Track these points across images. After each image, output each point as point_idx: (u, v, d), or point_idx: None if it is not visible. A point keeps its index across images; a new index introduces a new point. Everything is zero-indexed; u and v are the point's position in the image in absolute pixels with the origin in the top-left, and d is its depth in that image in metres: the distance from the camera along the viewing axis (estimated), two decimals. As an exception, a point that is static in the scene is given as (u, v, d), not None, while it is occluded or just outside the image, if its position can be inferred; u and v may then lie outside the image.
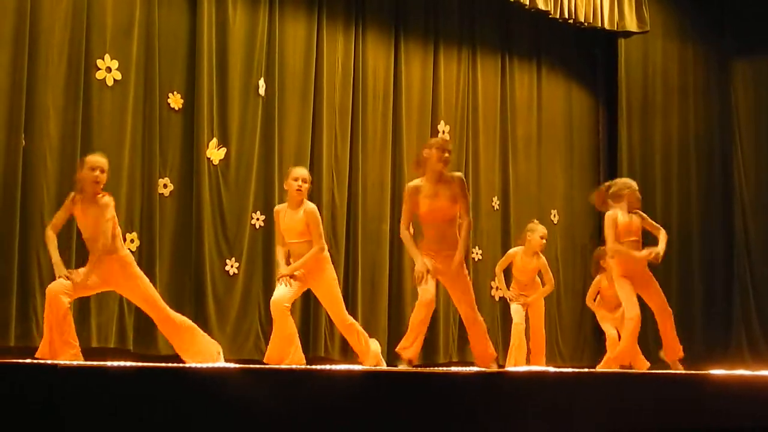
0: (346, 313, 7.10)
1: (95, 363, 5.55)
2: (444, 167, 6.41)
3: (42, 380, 3.41)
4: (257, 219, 8.85)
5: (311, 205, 7.01)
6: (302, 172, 7.08)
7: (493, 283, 10.43)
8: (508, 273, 8.94)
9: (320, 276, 6.95)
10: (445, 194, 6.37)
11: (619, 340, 7.99)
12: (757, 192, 11.62)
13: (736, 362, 10.42)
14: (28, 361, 5.53)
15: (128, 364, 5.49)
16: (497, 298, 10.40)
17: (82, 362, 5.67)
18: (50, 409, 3.32)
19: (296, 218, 6.92)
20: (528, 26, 11.21)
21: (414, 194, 6.44)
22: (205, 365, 4.80)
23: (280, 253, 7.04)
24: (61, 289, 6.13)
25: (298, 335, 7.02)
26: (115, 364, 5.40)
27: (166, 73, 8.50)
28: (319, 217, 7.02)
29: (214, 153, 8.65)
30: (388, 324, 9.60)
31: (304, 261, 6.85)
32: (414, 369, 6.16)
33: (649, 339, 8.80)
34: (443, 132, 10.34)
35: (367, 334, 7.15)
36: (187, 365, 5.17)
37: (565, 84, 11.60)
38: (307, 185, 6.98)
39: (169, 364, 5.03)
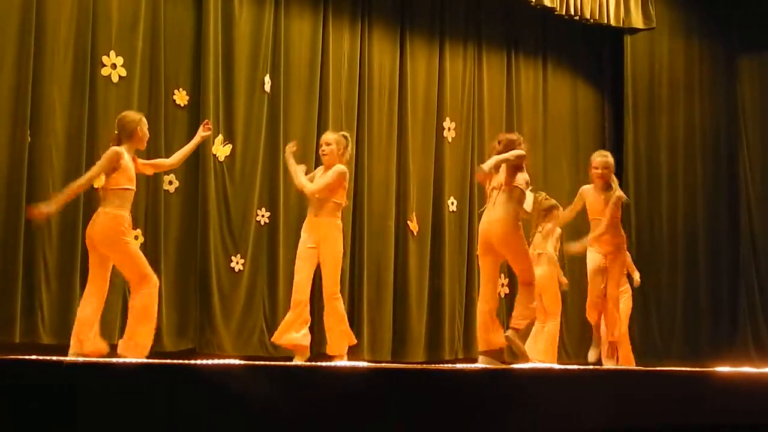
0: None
1: (101, 359, 5.56)
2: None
3: (48, 376, 3.42)
4: (263, 215, 8.85)
5: (339, 166, 7.20)
6: (325, 137, 7.40)
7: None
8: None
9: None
10: None
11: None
12: (763, 188, 11.60)
13: (742, 359, 10.41)
14: (34, 357, 5.54)
15: (134, 360, 5.51)
16: (503, 295, 10.39)
17: (88, 359, 5.68)
18: (56, 405, 3.32)
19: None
20: (534, 23, 11.20)
21: None
22: (210, 362, 4.80)
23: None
24: None
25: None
26: (122, 360, 5.42)
27: (171, 69, 8.51)
28: (340, 177, 7.17)
29: (220, 149, 8.65)
30: (393, 320, 9.61)
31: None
32: (419, 366, 6.16)
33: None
34: (448, 128, 10.33)
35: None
36: (193, 362, 5.17)
37: (571, 81, 11.58)
38: (331, 147, 7.22)
39: (175, 361, 5.04)
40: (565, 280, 8.85)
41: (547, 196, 8.75)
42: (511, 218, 6.63)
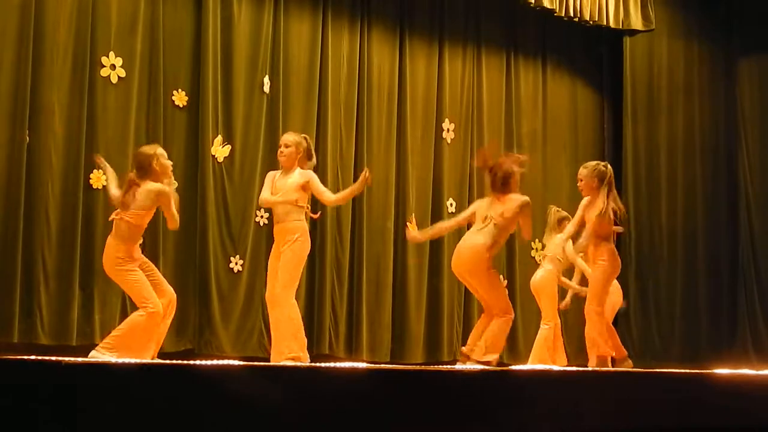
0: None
1: (100, 360, 5.56)
2: None
3: (47, 377, 3.41)
4: (261, 216, 8.85)
5: (307, 171, 6.96)
6: (284, 138, 7.07)
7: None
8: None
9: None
10: None
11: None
12: (762, 190, 11.59)
13: (741, 360, 10.40)
14: (33, 357, 5.53)
15: (133, 360, 5.51)
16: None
17: (86, 359, 5.67)
18: (56, 406, 3.32)
19: (287, 181, 6.90)
20: (533, 24, 11.19)
21: None
22: (209, 363, 4.80)
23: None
24: None
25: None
26: (120, 360, 5.41)
27: (170, 70, 8.51)
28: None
29: (219, 150, 8.65)
30: (392, 321, 9.61)
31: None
32: (418, 367, 6.16)
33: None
34: (447, 130, 10.33)
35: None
36: (192, 362, 5.17)
37: (570, 82, 11.57)
38: (290, 149, 6.91)
39: (173, 361, 5.04)
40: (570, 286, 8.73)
41: (558, 209, 8.75)
42: (485, 249, 6.61)
